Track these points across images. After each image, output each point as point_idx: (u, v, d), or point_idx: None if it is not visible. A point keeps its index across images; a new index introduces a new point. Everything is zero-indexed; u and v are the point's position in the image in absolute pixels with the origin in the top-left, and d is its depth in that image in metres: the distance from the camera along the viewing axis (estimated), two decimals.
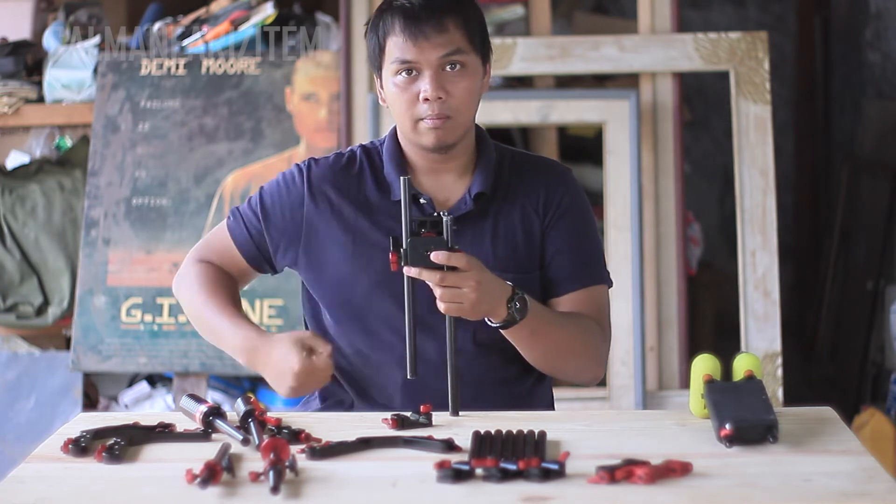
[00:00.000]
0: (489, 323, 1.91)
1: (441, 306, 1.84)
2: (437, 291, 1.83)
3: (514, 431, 1.72)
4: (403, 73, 1.97)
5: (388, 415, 1.83)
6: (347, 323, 2.06)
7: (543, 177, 2.09)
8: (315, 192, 2.06)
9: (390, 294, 2.00)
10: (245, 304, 3.60)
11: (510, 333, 1.93)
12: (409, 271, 1.83)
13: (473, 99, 2.00)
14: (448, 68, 1.97)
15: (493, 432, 1.72)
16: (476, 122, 2.07)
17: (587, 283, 2.05)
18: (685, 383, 3.58)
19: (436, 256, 1.81)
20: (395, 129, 2.09)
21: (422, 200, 2.03)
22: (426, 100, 1.95)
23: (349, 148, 2.14)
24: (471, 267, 1.82)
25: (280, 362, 1.92)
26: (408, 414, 1.83)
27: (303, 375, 1.89)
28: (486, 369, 2.04)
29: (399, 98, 1.97)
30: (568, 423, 1.83)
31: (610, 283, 2.10)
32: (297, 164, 2.10)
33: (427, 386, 1.97)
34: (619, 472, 1.54)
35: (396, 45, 1.97)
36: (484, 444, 1.67)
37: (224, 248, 2.12)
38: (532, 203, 2.06)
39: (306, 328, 2.16)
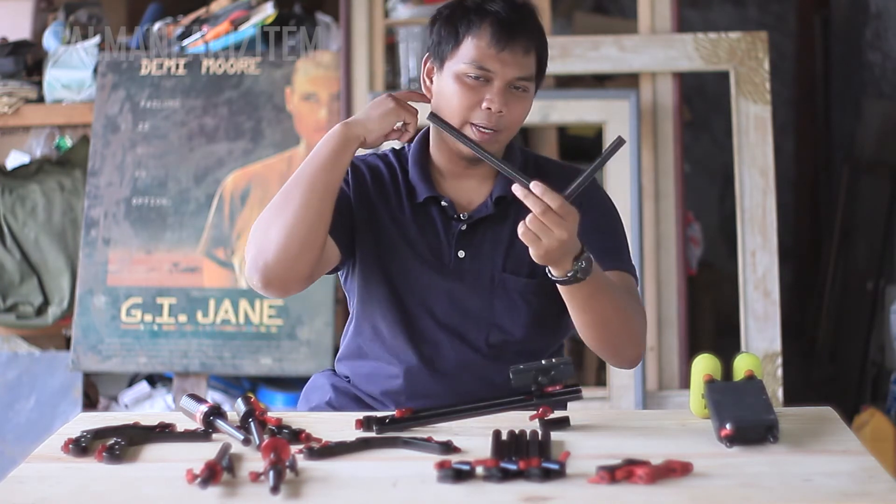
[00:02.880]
0: (550, 276, 1.88)
1: (521, 229, 1.81)
2: (530, 221, 1.81)
3: (528, 432, 1.73)
4: (474, 76, 1.98)
5: (362, 415, 1.83)
6: (371, 305, 2.10)
7: (565, 181, 2.10)
8: (359, 186, 2.10)
9: (404, 289, 2.05)
10: (245, 304, 3.60)
11: (567, 291, 1.89)
12: (517, 190, 1.82)
13: (522, 123, 2.05)
14: (514, 88, 2.00)
15: (516, 432, 1.73)
16: None
17: (615, 266, 2.04)
18: (685, 383, 3.58)
19: (534, 186, 1.81)
20: (423, 133, 2.12)
21: (443, 203, 2.07)
22: (488, 109, 1.98)
23: (382, 150, 2.17)
24: (566, 215, 1.81)
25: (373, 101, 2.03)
26: (379, 415, 1.83)
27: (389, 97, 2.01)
28: (497, 371, 2.05)
29: (458, 97, 1.99)
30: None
31: (637, 279, 2.09)
32: None
33: (438, 379, 2.04)
34: (619, 472, 1.54)
35: (478, 48, 1.98)
36: (503, 444, 1.68)
37: None
38: None
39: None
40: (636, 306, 2.01)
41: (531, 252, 1.83)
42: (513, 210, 2.07)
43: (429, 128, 2.11)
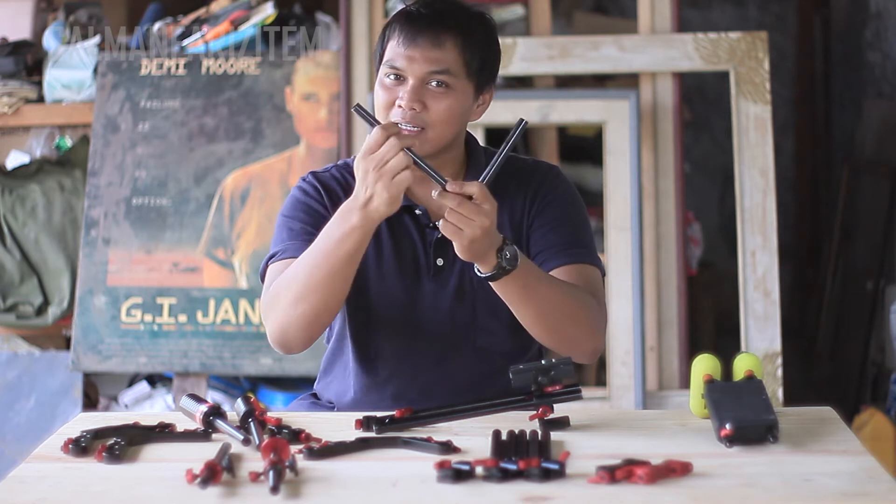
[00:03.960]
0: (478, 273, 1.88)
1: (441, 223, 1.82)
2: (448, 213, 1.81)
3: (528, 432, 1.73)
4: (392, 76, 1.98)
5: (361, 415, 1.83)
6: (353, 322, 2.09)
7: (531, 177, 2.10)
8: (325, 199, 2.07)
9: (386, 302, 2.02)
10: (245, 304, 3.60)
11: (500, 286, 1.89)
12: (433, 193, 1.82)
13: (453, 120, 1.99)
14: (433, 84, 1.97)
15: (516, 432, 1.73)
16: (476, 122, 2.07)
17: (576, 259, 2.03)
18: (685, 383, 3.58)
19: (451, 185, 1.80)
20: None
21: (417, 211, 2.05)
22: (399, 106, 1.96)
23: (343, 160, 2.15)
24: (485, 200, 1.80)
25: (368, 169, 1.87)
26: (379, 415, 1.82)
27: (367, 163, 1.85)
28: (485, 374, 2.05)
29: (380, 99, 1.98)
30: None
31: (602, 270, 2.07)
32: (303, 179, 2.10)
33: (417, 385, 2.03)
34: (619, 472, 1.54)
35: (391, 49, 1.99)
36: (503, 444, 1.68)
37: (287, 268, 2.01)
38: (520, 204, 2.07)
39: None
40: (586, 298, 1.97)
41: (455, 247, 1.83)
42: None
43: None
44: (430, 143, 1.98)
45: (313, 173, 2.11)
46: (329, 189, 2.08)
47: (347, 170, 2.11)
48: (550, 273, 1.99)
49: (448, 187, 1.80)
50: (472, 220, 1.79)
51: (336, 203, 2.04)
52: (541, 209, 2.06)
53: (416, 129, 1.95)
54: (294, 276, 1.94)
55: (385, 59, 1.99)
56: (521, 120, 1.88)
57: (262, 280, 2.06)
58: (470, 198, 1.80)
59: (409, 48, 1.96)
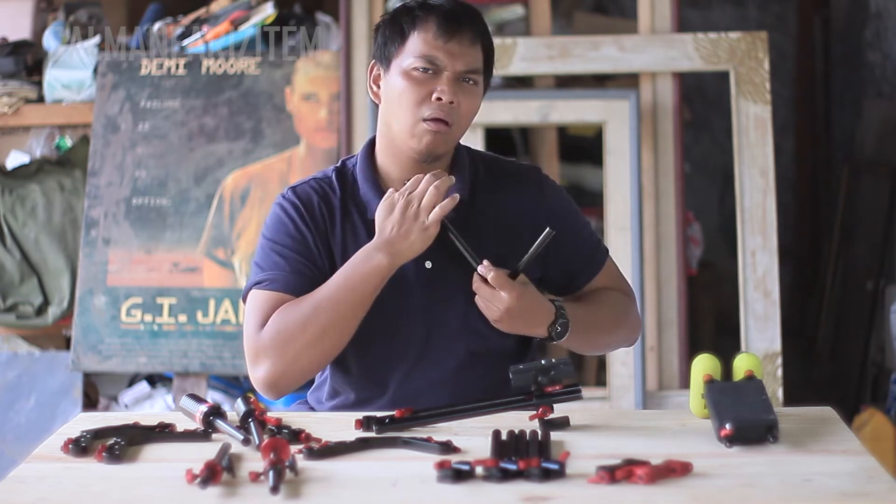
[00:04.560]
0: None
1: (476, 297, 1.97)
2: (475, 288, 1.96)
3: (528, 432, 1.73)
4: (421, 69, 1.96)
5: (361, 415, 1.82)
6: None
7: (520, 188, 2.10)
8: (307, 218, 2.03)
9: (375, 312, 1.98)
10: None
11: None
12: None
13: (471, 120, 2.02)
14: (464, 80, 1.98)
15: (516, 432, 1.73)
16: (475, 122, 2.08)
17: (599, 263, 2.14)
18: (685, 383, 3.58)
19: (481, 268, 1.93)
20: (368, 145, 2.08)
21: None
22: (439, 99, 1.95)
23: (322, 172, 2.11)
24: (502, 288, 1.91)
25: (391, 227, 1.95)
26: (379, 415, 1.82)
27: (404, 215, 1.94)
28: (478, 376, 2.04)
29: (408, 93, 1.96)
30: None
31: (609, 255, 2.18)
32: (283, 197, 2.06)
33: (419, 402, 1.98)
34: (619, 472, 1.54)
35: (425, 41, 1.97)
36: (503, 444, 1.68)
37: (280, 302, 1.98)
38: (514, 208, 2.07)
39: None
40: (622, 302, 2.13)
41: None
42: (473, 211, 2.05)
43: (373, 138, 2.08)
44: (451, 140, 2.01)
45: (292, 189, 2.07)
46: (309, 205, 2.04)
47: (326, 181, 2.07)
48: (584, 287, 2.12)
49: (479, 269, 1.93)
50: (489, 301, 1.93)
51: (315, 219, 2.03)
52: (555, 226, 2.03)
53: (442, 125, 1.96)
54: (308, 317, 1.92)
55: (416, 51, 1.97)
56: (550, 231, 1.96)
57: (244, 300, 2.03)
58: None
59: (451, 42, 1.96)
